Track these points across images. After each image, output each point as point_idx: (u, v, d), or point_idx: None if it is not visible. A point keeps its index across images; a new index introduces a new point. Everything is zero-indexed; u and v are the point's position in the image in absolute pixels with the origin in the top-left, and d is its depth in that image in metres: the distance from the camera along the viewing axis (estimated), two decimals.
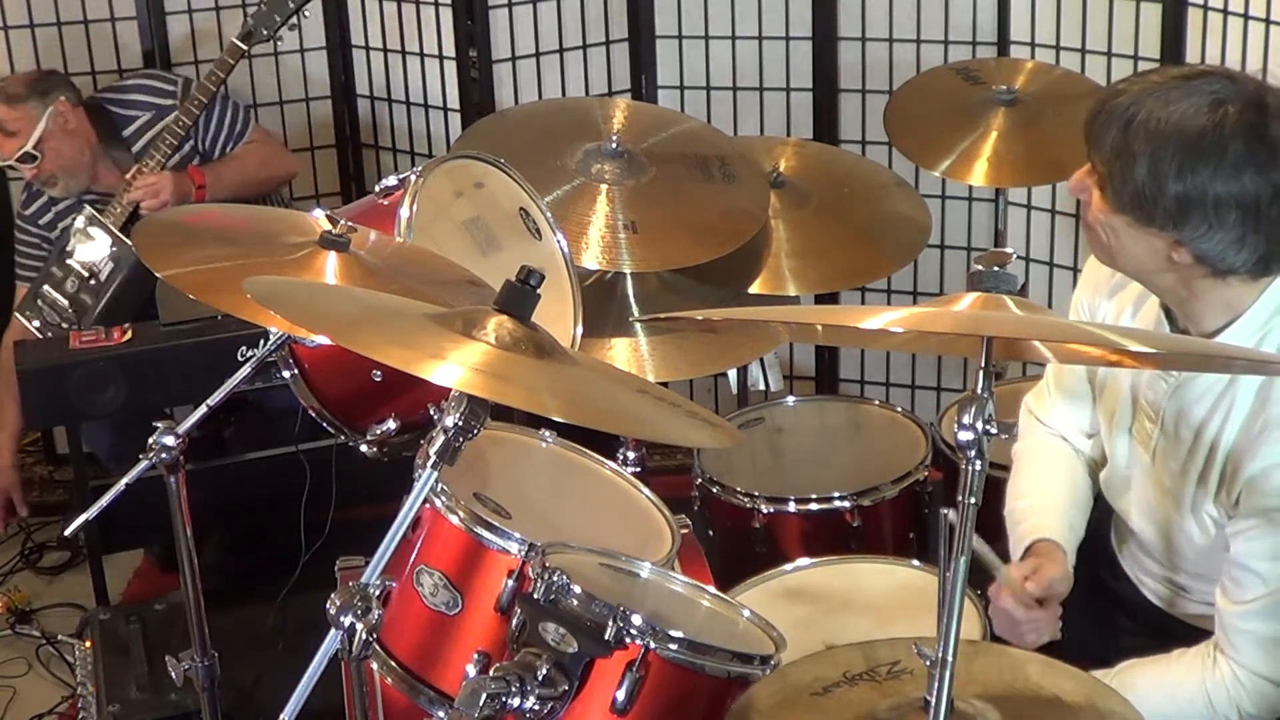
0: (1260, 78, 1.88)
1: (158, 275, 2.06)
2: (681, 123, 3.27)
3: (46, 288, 3.41)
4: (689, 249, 2.89)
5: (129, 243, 3.29)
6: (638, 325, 2.88)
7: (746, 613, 1.99)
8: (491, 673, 1.72)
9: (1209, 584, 2.04)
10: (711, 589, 2.04)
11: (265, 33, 3.43)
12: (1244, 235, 1.84)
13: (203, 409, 2.18)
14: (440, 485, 1.91)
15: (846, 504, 2.76)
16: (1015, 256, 2.86)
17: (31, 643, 3.38)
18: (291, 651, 2.80)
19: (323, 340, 2.11)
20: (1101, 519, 2.28)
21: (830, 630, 2.28)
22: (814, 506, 2.77)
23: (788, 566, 2.49)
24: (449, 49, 3.87)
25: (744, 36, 3.88)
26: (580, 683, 1.74)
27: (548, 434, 2.27)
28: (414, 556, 1.95)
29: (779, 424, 3.10)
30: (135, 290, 3.30)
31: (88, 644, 2.98)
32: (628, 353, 2.85)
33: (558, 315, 2.42)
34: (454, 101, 3.90)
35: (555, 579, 1.75)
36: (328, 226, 2.10)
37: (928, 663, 1.51)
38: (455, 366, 1.61)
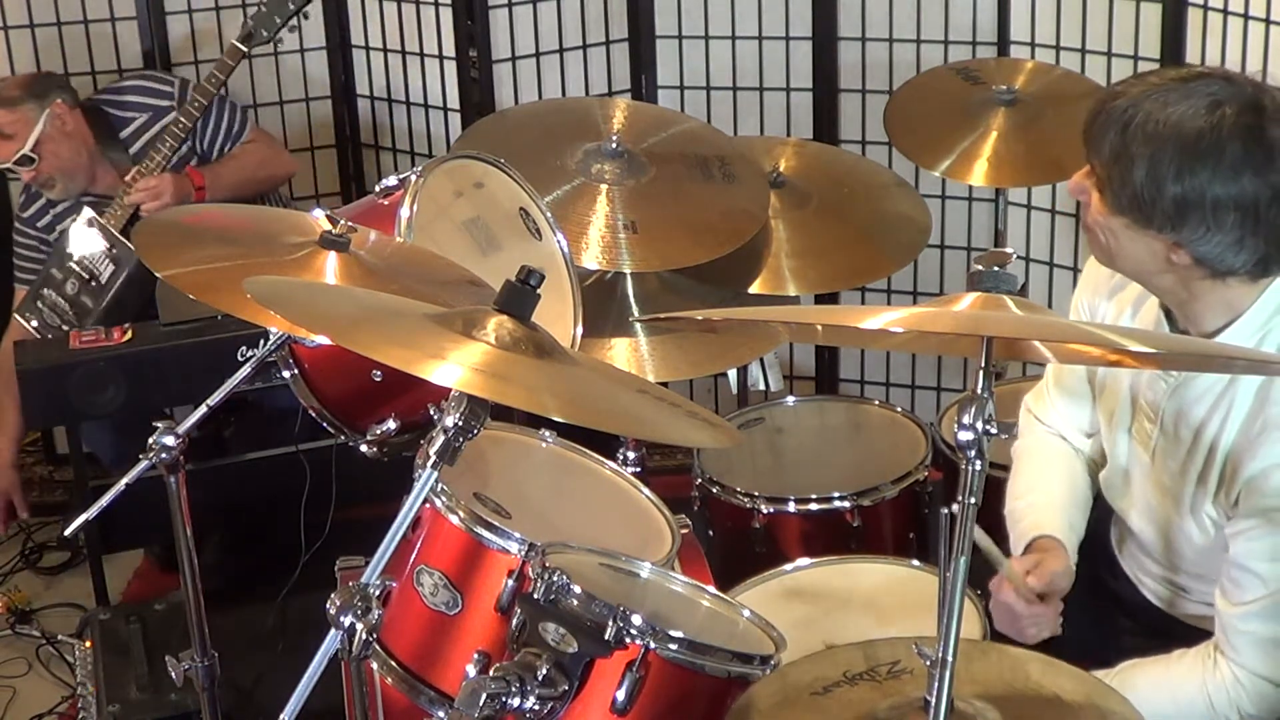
0: (1260, 79, 1.88)
1: (158, 275, 2.07)
2: (681, 123, 3.27)
3: (47, 290, 3.41)
4: (689, 249, 2.89)
5: (129, 245, 3.28)
6: (638, 325, 2.88)
7: (746, 613, 1.99)
8: (491, 673, 1.72)
9: (1208, 584, 2.04)
10: (711, 589, 2.04)
11: (265, 35, 3.43)
12: (1242, 237, 1.84)
13: (203, 409, 2.18)
14: (440, 485, 1.92)
15: (846, 504, 2.76)
16: (1015, 256, 2.86)
17: (31, 643, 3.38)
18: (291, 651, 2.80)
19: (323, 340, 2.11)
20: (1101, 519, 2.28)
21: (830, 630, 2.28)
22: (814, 506, 2.77)
23: (788, 566, 2.49)
24: (449, 49, 3.87)
25: (744, 36, 3.88)
26: (580, 683, 1.74)
27: (548, 434, 2.27)
28: (414, 556, 1.95)
29: (779, 424, 3.10)
30: (136, 292, 3.30)
31: (88, 644, 2.98)
32: (628, 353, 2.85)
33: (558, 315, 2.42)
34: (454, 101, 3.90)
35: (555, 579, 1.75)
36: (328, 226, 2.10)
37: (928, 663, 1.51)
38: (455, 366, 1.61)
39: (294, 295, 1.83)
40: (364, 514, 2.46)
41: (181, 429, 2.16)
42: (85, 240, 3.37)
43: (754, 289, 3.02)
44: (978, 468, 1.49)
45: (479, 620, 1.91)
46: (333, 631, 1.66)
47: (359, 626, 1.65)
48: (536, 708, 1.70)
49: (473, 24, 3.82)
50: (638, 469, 2.52)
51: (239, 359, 3.05)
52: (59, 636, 3.33)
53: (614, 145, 2.97)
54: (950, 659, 1.49)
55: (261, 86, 4.00)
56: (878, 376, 4.06)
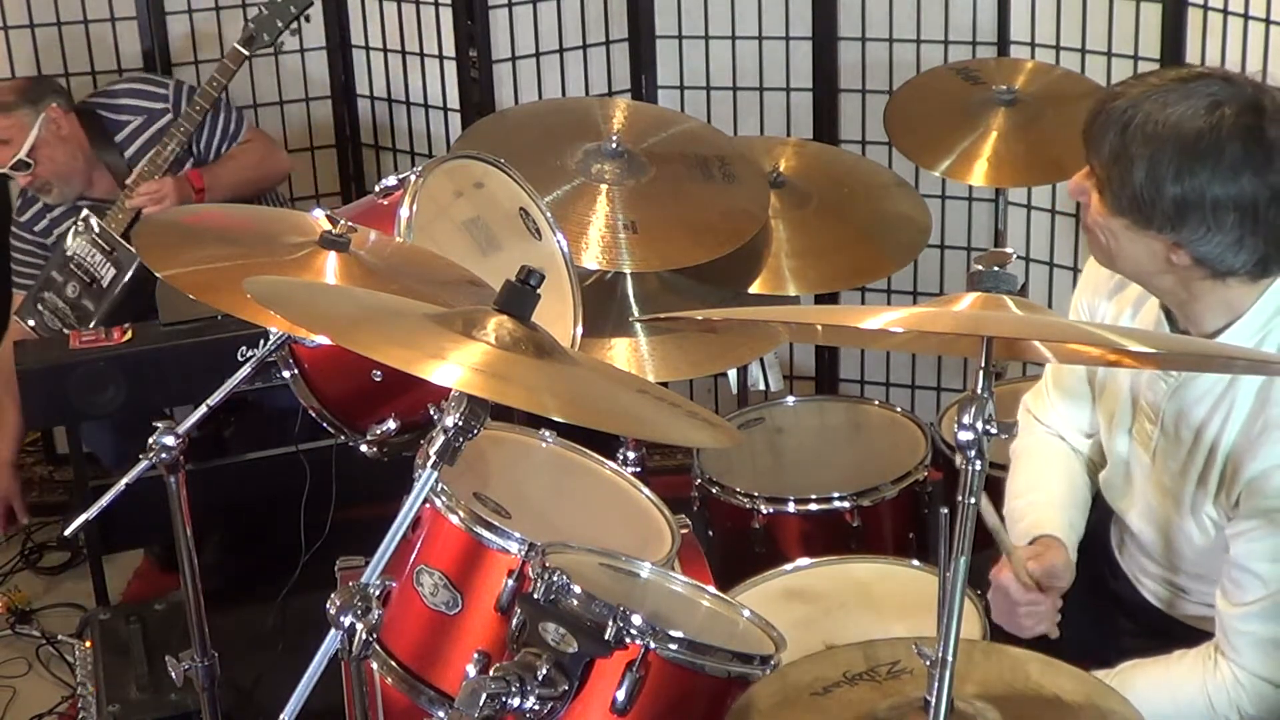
0: (1260, 79, 1.88)
1: (158, 275, 2.07)
2: (681, 123, 3.27)
3: (47, 293, 3.41)
4: (689, 249, 2.89)
5: (131, 248, 3.28)
6: (638, 325, 2.88)
7: (746, 613, 1.99)
8: (491, 673, 1.72)
9: (1208, 585, 2.04)
10: (711, 589, 2.04)
11: (267, 38, 3.43)
12: (1242, 237, 1.84)
13: (203, 409, 2.18)
14: (440, 485, 1.92)
15: (846, 504, 2.76)
16: (1015, 256, 2.85)
17: (31, 643, 3.38)
18: (291, 651, 2.80)
19: (323, 340, 2.11)
20: (1101, 519, 2.28)
21: (830, 630, 2.28)
22: (814, 506, 2.77)
23: (788, 566, 2.49)
24: (449, 49, 3.87)
25: (744, 36, 3.88)
26: (580, 683, 1.74)
27: (548, 434, 2.27)
28: (414, 556, 1.95)
29: (779, 424, 3.10)
30: (136, 295, 3.29)
31: (88, 644, 2.98)
32: (628, 353, 2.85)
33: (558, 315, 2.42)
34: (454, 101, 3.90)
35: (555, 579, 1.75)
36: (328, 226, 2.10)
37: (928, 663, 1.52)
38: (455, 366, 1.61)
39: (294, 295, 1.83)
40: (364, 514, 2.46)
41: (181, 429, 2.16)
42: (86, 243, 3.37)
43: (754, 289, 3.02)
44: (978, 468, 1.49)
45: (479, 620, 1.91)
46: (333, 631, 1.66)
47: (359, 626, 1.65)
48: (536, 708, 1.70)
49: (473, 24, 3.82)
50: (638, 469, 2.52)
51: (239, 359, 3.05)
52: (59, 636, 3.33)
53: (614, 145, 2.97)
54: (950, 659, 1.49)
55: (261, 86, 4.00)
56: (878, 376, 4.06)
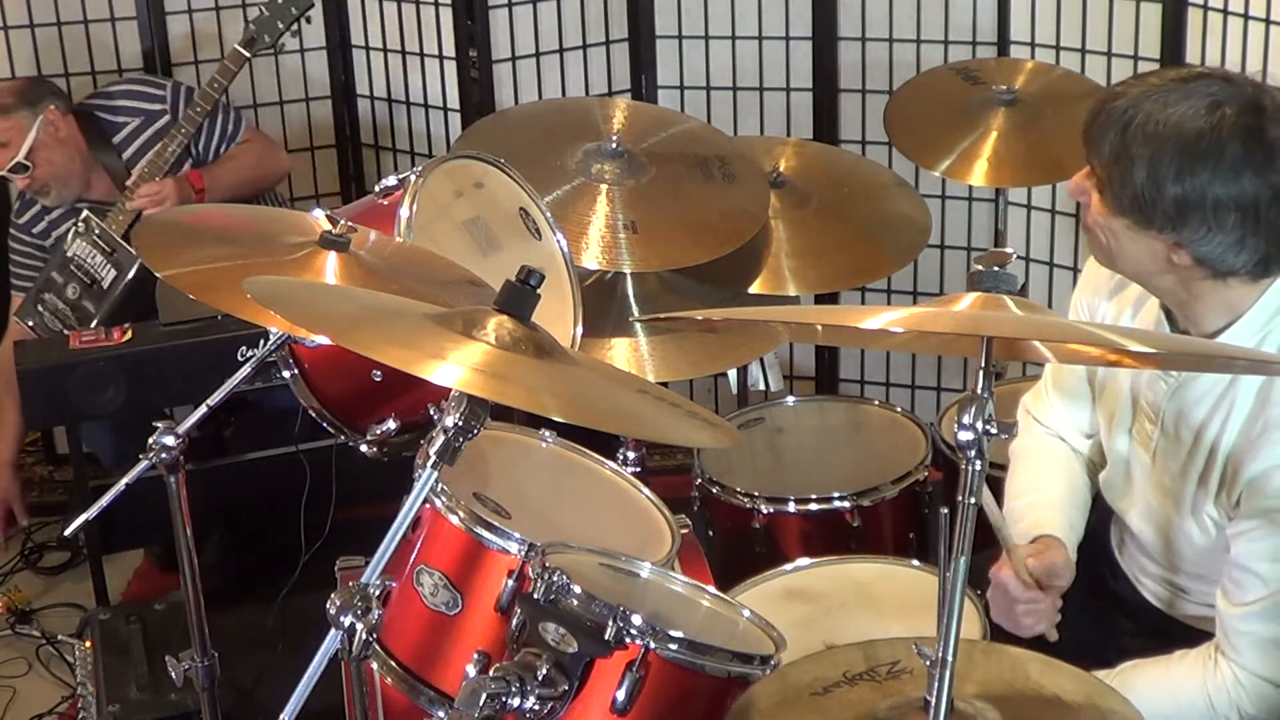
0: (1260, 79, 1.88)
1: (158, 276, 2.07)
2: (681, 123, 3.27)
3: (47, 294, 3.41)
4: (689, 249, 2.89)
5: (131, 249, 3.28)
6: (638, 325, 2.88)
7: (746, 613, 1.99)
8: (491, 673, 1.72)
9: (1208, 585, 2.04)
10: (711, 589, 2.04)
11: (268, 40, 3.42)
12: (1243, 237, 1.84)
13: (203, 409, 2.18)
14: (440, 485, 1.91)
15: (846, 504, 2.76)
16: (1015, 256, 2.85)
17: (31, 643, 3.38)
18: (291, 651, 2.79)
19: (323, 340, 2.11)
20: (1101, 519, 2.28)
21: (830, 630, 2.28)
22: (814, 506, 2.77)
23: (788, 566, 2.49)
24: (449, 49, 3.87)
25: (744, 36, 3.88)
26: (580, 683, 1.74)
27: (548, 434, 2.27)
28: (414, 556, 1.95)
29: (779, 424, 3.10)
30: (136, 295, 3.29)
31: (88, 644, 2.98)
32: (628, 353, 2.85)
33: (558, 315, 2.42)
34: (454, 101, 3.90)
35: (555, 579, 1.75)
36: (328, 226, 2.10)
37: (928, 663, 1.51)
38: (455, 366, 1.61)
39: (294, 295, 1.83)
40: (364, 514, 2.46)
41: (181, 429, 2.16)
42: (87, 244, 3.37)
43: (754, 289, 3.02)
44: (978, 468, 1.49)
45: (479, 620, 1.91)
46: (333, 631, 1.66)
47: (359, 626, 1.65)
48: (536, 708, 1.70)
49: (473, 24, 3.82)
50: (638, 469, 2.52)
51: (239, 359, 3.05)
52: (59, 636, 3.33)
53: (614, 145, 2.97)
54: (950, 659, 1.49)
55: (261, 86, 4.00)
56: (878, 376, 4.06)
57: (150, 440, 2.15)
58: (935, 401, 3.92)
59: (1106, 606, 2.27)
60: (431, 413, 1.81)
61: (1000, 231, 3.44)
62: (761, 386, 3.25)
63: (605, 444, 2.35)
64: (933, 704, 1.49)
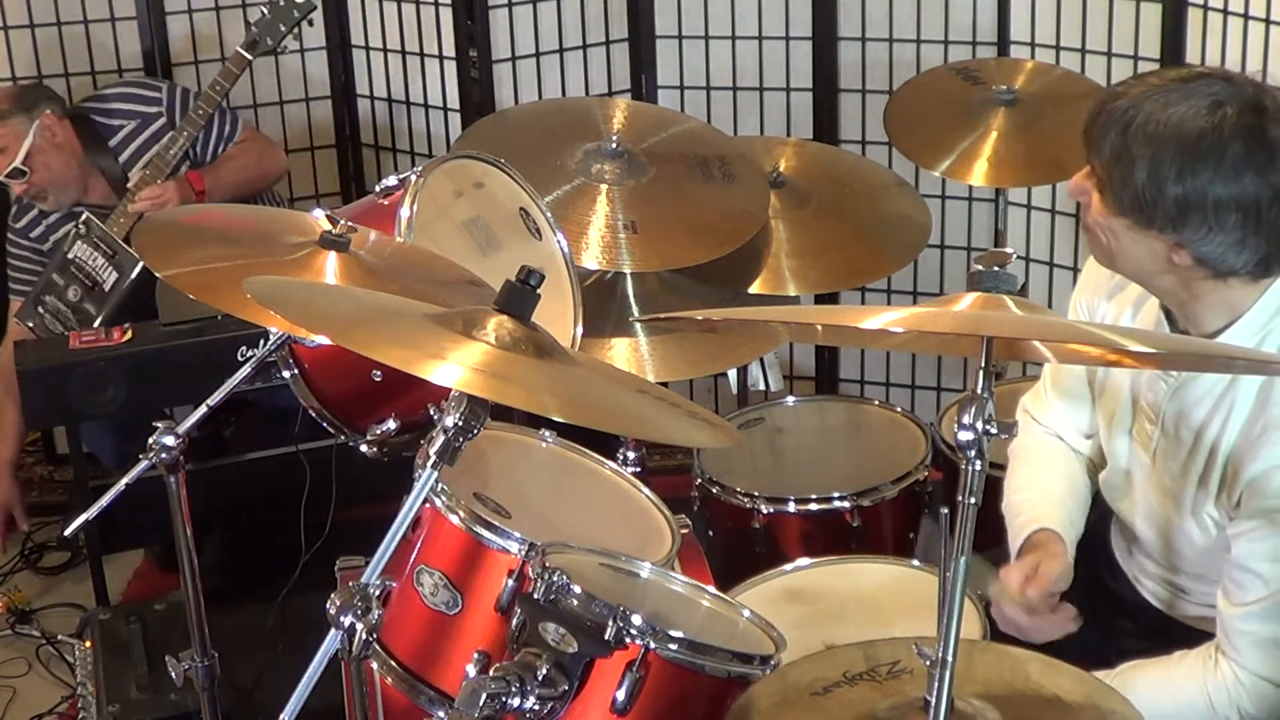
0: (1260, 79, 1.88)
1: (158, 276, 2.07)
2: (681, 123, 3.27)
3: (48, 296, 3.41)
4: (689, 249, 2.89)
5: (133, 252, 3.28)
6: (638, 325, 2.88)
7: (746, 613, 1.99)
8: (491, 673, 1.72)
9: (1208, 585, 2.04)
10: (711, 589, 2.04)
11: (270, 43, 3.42)
12: (1244, 237, 1.84)
13: (203, 409, 2.18)
14: (440, 485, 1.91)
15: (846, 504, 2.76)
16: (1015, 256, 2.86)
17: (31, 643, 3.38)
18: (291, 651, 2.79)
19: (323, 340, 2.11)
20: (1101, 519, 2.28)
21: (830, 630, 2.28)
22: (814, 506, 2.77)
23: (788, 566, 2.48)
24: (449, 49, 3.87)
25: (744, 36, 3.88)
26: (580, 683, 1.74)
27: (548, 434, 2.27)
28: (414, 556, 1.95)
29: (779, 424, 3.10)
30: (138, 299, 3.29)
31: (88, 644, 2.98)
32: (628, 353, 2.85)
33: (558, 315, 2.42)
34: (454, 101, 3.91)
35: (555, 579, 1.75)
36: (328, 226, 2.10)
37: (928, 663, 1.51)
38: (455, 366, 1.61)
39: (294, 295, 1.83)
40: (364, 514, 2.46)
41: (181, 429, 2.16)
42: (88, 246, 3.36)
43: (754, 289, 3.02)
44: (978, 468, 1.49)
45: (479, 620, 1.91)
46: (333, 631, 1.66)
47: (359, 626, 1.65)
48: (536, 708, 1.70)
49: (473, 24, 3.82)
50: (638, 469, 2.52)
51: (239, 359, 3.05)
52: (59, 636, 3.33)
53: (614, 145, 2.97)
54: (950, 659, 1.49)
55: (261, 86, 4.00)
56: (878, 376, 4.06)
57: (150, 440, 2.15)
58: (935, 401, 3.92)
59: (1106, 607, 2.27)
60: (431, 413, 1.81)
61: (1000, 231, 3.44)
62: (761, 386, 3.25)
63: (605, 444, 2.35)
64: (933, 704, 1.49)
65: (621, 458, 2.62)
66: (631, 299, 2.96)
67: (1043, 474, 2.27)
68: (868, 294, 3.85)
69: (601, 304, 2.90)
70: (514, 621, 1.79)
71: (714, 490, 2.84)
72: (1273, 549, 1.90)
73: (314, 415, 2.26)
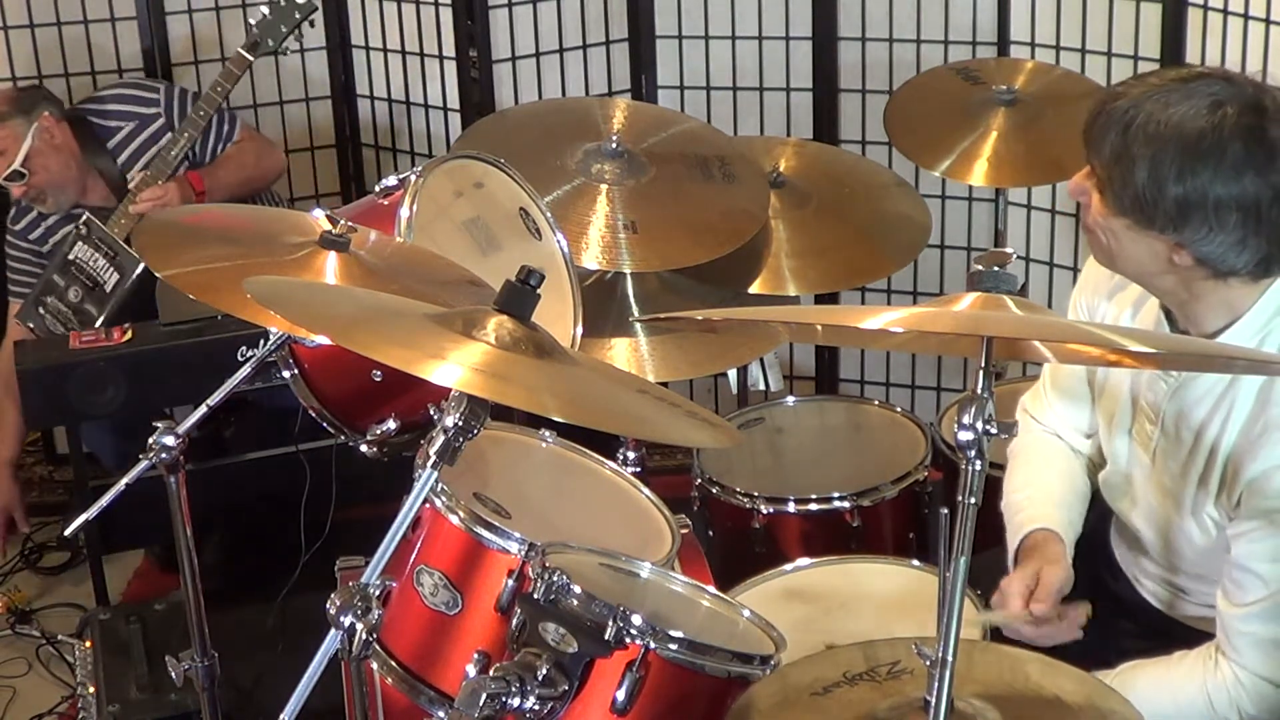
0: (1260, 79, 1.88)
1: (157, 276, 2.07)
2: (681, 123, 3.27)
3: (49, 297, 3.41)
4: (689, 249, 2.89)
5: (134, 253, 3.28)
6: (638, 325, 2.88)
7: (746, 613, 1.99)
8: (491, 673, 1.72)
9: (1208, 586, 2.04)
10: (711, 589, 2.04)
11: (271, 44, 3.42)
12: (1245, 237, 1.84)
13: (203, 409, 2.18)
14: (440, 485, 1.91)
15: (846, 504, 2.76)
16: (1015, 256, 2.85)
17: (31, 643, 3.38)
18: (291, 651, 2.79)
19: (323, 340, 2.11)
20: (1101, 519, 2.27)
21: (830, 630, 2.28)
22: (814, 506, 2.77)
23: (788, 566, 2.48)
24: (449, 49, 3.87)
25: (744, 36, 3.88)
26: (580, 683, 1.74)
27: (548, 434, 2.27)
28: (414, 556, 1.95)
29: (779, 424, 3.10)
30: (138, 299, 3.29)
31: (88, 644, 2.98)
32: (628, 353, 2.85)
33: (558, 315, 2.42)
34: (454, 101, 3.91)
35: (555, 579, 1.75)
36: (328, 226, 2.10)
37: (928, 663, 1.51)
38: (455, 366, 1.61)
39: (294, 295, 1.83)
40: (364, 514, 2.46)
41: (181, 429, 2.16)
42: (88, 247, 3.36)
43: (754, 289, 3.02)
44: (978, 468, 1.49)
45: (479, 620, 1.91)
46: (333, 631, 1.66)
47: (359, 626, 1.65)
48: (536, 708, 1.70)
49: (473, 24, 3.82)
50: (638, 469, 2.52)
51: (239, 359, 3.05)
52: (59, 636, 3.33)
53: (614, 145, 2.97)
54: (950, 659, 1.49)
55: (261, 86, 4.00)
56: (878, 376, 4.06)
57: (150, 440, 2.15)
58: (935, 401, 3.92)
59: (1106, 607, 2.27)
60: (431, 413, 1.81)
61: (1000, 231, 3.44)
62: (761, 386, 3.25)
63: (605, 444, 2.35)
64: (933, 704, 1.49)
65: (621, 458, 2.62)
66: (631, 299, 2.96)
67: (1042, 473, 2.27)
68: (868, 294, 3.85)
69: (601, 304, 2.90)
70: (514, 621, 1.79)
71: (714, 490, 2.84)
72: (1273, 549, 1.90)
73: (314, 415, 2.26)
